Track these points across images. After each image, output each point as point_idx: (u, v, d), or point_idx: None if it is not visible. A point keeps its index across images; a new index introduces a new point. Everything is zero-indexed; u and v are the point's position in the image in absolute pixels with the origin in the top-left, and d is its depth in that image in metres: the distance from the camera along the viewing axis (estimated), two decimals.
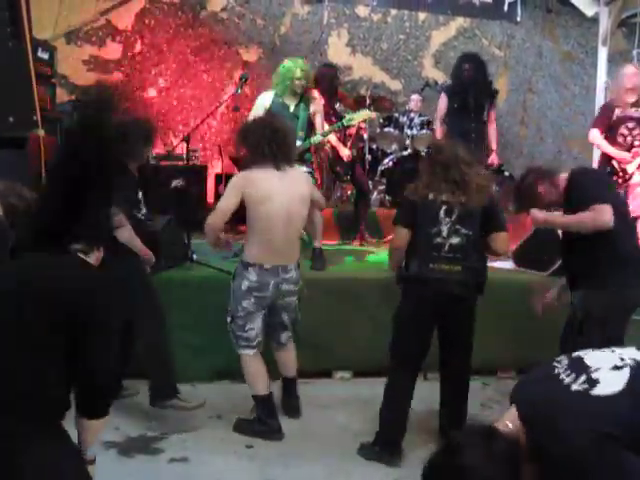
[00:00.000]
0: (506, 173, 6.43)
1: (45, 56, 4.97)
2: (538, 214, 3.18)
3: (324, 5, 7.52)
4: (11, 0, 3.93)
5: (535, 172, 3.25)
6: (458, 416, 3.36)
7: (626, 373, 1.53)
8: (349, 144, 5.91)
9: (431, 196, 3.15)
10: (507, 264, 4.62)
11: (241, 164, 3.97)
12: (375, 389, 3.39)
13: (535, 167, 3.37)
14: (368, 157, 6.38)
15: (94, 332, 1.77)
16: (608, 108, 4.88)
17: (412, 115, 6.82)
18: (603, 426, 1.41)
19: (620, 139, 4.77)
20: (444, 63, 7.68)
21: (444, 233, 3.14)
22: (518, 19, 8.10)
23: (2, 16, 3.85)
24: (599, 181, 3.30)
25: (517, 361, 4.29)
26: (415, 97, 6.94)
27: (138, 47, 7.14)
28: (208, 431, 3.51)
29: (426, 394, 3.41)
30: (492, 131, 5.57)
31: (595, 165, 5.48)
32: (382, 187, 6.57)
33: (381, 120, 6.81)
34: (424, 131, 6.68)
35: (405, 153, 6.62)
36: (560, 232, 4.36)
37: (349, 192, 6.36)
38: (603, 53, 6.78)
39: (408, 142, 6.70)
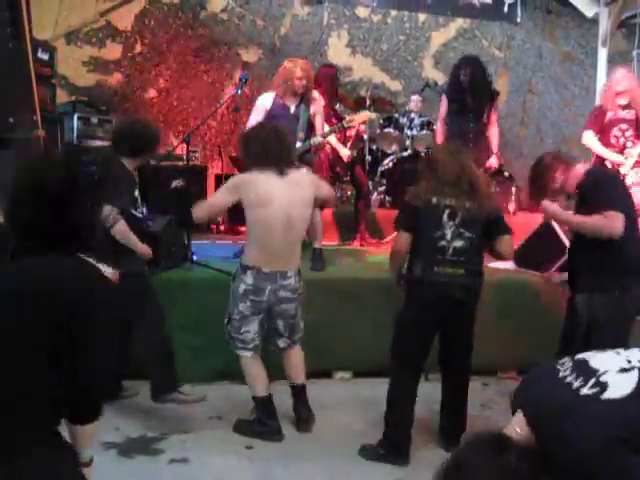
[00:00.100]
0: (506, 174, 6.44)
1: (45, 57, 4.97)
2: (550, 207, 3.15)
3: (324, 6, 7.53)
4: (11, 1, 3.93)
5: (553, 156, 3.23)
6: (458, 417, 3.36)
7: (634, 376, 1.51)
8: (349, 145, 5.91)
9: (434, 200, 3.15)
10: (508, 264, 4.62)
11: (242, 165, 3.97)
12: (375, 389, 3.40)
13: (554, 152, 3.37)
14: (368, 158, 6.38)
15: (92, 332, 1.76)
16: (600, 110, 4.90)
17: (412, 116, 6.83)
18: (613, 430, 1.39)
19: (613, 140, 4.80)
20: (444, 64, 7.69)
21: (448, 236, 3.14)
22: (518, 20, 8.11)
23: (2, 17, 3.85)
24: (615, 185, 3.26)
25: (517, 361, 4.29)
26: (415, 98, 6.94)
27: (138, 48, 7.14)
28: (208, 432, 3.51)
29: (427, 394, 3.41)
30: (493, 133, 5.53)
31: None
32: (382, 188, 6.57)
33: (381, 121, 6.82)
34: (424, 132, 6.69)
35: (405, 154, 6.63)
36: (559, 228, 4.41)
37: (349, 193, 6.36)
38: (603, 54, 6.78)
39: (408, 143, 6.71)
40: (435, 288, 3.15)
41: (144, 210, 3.85)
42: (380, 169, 6.59)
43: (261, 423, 3.43)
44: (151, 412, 3.58)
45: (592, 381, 1.50)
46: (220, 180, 5.70)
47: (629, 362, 1.55)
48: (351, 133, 6.03)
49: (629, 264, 3.05)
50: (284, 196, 3.29)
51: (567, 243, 4.37)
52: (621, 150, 4.78)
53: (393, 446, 3.24)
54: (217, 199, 3.45)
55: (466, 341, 3.34)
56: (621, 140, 4.79)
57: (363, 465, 3.23)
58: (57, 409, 1.79)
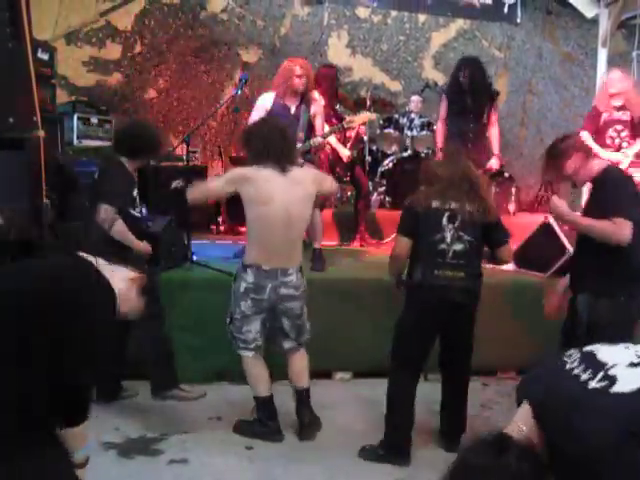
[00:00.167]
0: (506, 174, 6.44)
1: (45, 57, 4.96)
2: (559, 206, 3.12)
3: (324, 6, 7.53)
4: (11, 1, 3.92)
5: (576, 142, 3.18)
6: (458, 417, 3.36)
7: None
8: (349, 145, 5.91)
9: (434, 204, 3.16)
10: (508, 265, 4.61)
11: (244, 163, 3.97)
12: (375, 390, 3.40)
13: (579, 138, 3.33)
14: (368, 158, 6.39)
15: (81, 333, 1.74)
16: (596, 112, 4.91)
17: (412, 116, 6.82)
18: (622, 424, 1.38)
19: (609, 141, 4.84)
20: (444, 64, 7.69)
21: (448, 240, 3.14)
22: (518, 21, 8.10)
23: (2, 17, 3.84)
24: (629, 190, 3.17)
25: (517, 362, 4.28)
26: (415, 98, 6.94)
27: (138, 48, 7.13)
28: (208, 432, 3.50)
29: (427, 395, 3.41)
30: (494, 134, 5.53)
31: None
32: (382, 188, 6.57)
33: (381, 121, 6.81)
34: (424, 132, 6.68)
35: (405, 154, 6.62)
36: (558, 229, 4.40)
37: (349, 193, 6.36)
38: (603, 54, 6.77)
39: (408, 143, 6.71)
40: (435, 291, 3.15)
41: (143, 210, 3.86)
42: (380, 170, 6.59)
43: (261, 424, 3.43)
44: (151, 412, 3.58)
45: (600, 374, 1.48)
46: None
47: (638, 357, 1.53)
48: (351, 134, 6.03)
49: (637, 271, 3.02)
50: (285, 194, 3.27)
51: (567, 244, 4.37)
52: (617, 151, 4.83)
53: (393, 447, 3.24)
54: (215, 186, 3.51)
55: (466, 343, 3.35)
56: (617, 141, 4.84)
57: (363, 465, 3.23)
58: (56, 409, 1.78)
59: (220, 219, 5.96)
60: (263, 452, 3.32)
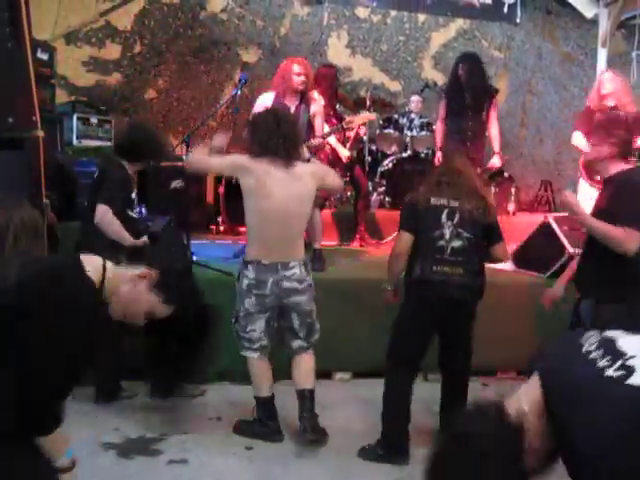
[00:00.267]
0: (506, 174, 6.45)
1: (45, 57, 4.97)
2: (572, 200, 3.07)
3: (324, 6, 7.53)
4: (11, 0, 3.92)
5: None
6: None
7: None
8: (349, 145, 5.91)
9: (433, 200, 3.16)
10: (507, 265, 4.62)
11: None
12: (375, 390, 3.39)
13: None
14: (368, 158, 6.39)
15: (40, 338, 1.65)
16: (589, 112, 4.90)
17: (412, 116, 6.82)
18: (633, 416, 1.37)
19: None
20: (444, 64, 7.69)
21: (446, 236, 3.15)
22: (518, 21, 8.11)
23: (1, 16, 3.84)
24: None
25: (517, 362, 4.28)
26: (415, 98, 6.94)
27: (137, 48, 7.13)
28: (208, 432, 3.50)
29: (426, 395, 3.41)
30: (494, 132, 5.50)
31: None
32: (382, 188, 6.57)
33: (381, 121, 6.81)
34: (424, 132, 6.69)
35: (405, 155, 6.63)
36: (558, 229, 4.40)
37: (348, 193, 6.36)
38: (603, 55, 6.78)
39: (408, 143, 6.71)
40: (434, 287, 3.15)
41: (143, 210, 3.86)
42: (380, 170, 6.60)
43: (261, 424, 3.42)
44: (151, 412, 3.58)
45: (619, 363, 1.45)
46: (220, 181, 5.70)
47: None
48: (351, 134, 6.03)
49: None
50: (284, 189, 3.24)
51: (566, 244, 4.37)
52: None
53: (391, 445, 3.24)
54: (216, 165, 3.48)
55: (466, 343, 3.34)
56: None
57: (363, 465, 3.23)
58: (55, 412, 1.77)
59: (220, 219, 5.95)
60: (263, 452, 3.32)
